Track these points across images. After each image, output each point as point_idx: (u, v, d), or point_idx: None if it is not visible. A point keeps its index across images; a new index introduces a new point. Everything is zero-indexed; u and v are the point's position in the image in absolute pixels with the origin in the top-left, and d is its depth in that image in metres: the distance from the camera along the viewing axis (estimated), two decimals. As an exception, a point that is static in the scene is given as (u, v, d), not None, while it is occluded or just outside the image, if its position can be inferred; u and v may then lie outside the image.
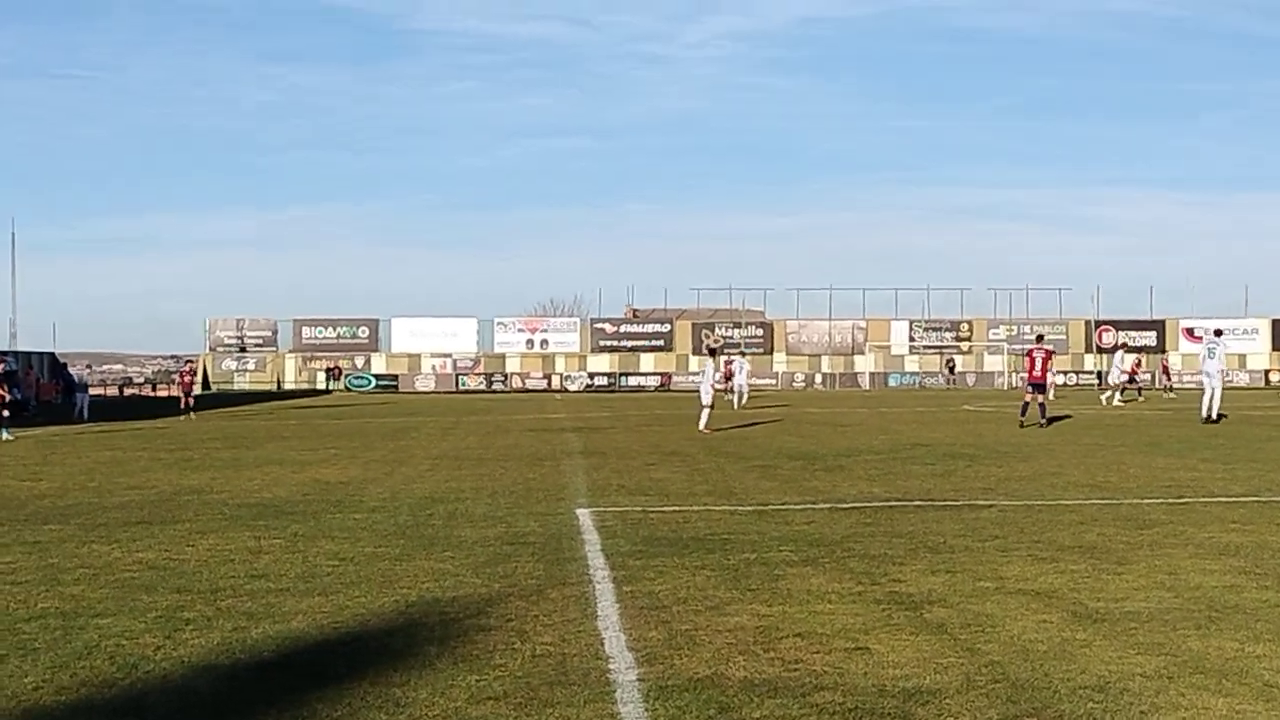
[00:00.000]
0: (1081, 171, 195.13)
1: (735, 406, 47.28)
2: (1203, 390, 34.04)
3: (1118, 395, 54.27)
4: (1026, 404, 33.17)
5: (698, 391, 36.34)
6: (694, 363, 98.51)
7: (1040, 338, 36.44)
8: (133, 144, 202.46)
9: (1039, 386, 33.13)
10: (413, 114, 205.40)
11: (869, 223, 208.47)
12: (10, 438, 31.13)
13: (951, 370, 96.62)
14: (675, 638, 8.04)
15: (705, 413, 32.77)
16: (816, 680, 6.97)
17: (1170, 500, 15.46)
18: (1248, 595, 9.31)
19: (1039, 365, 32.99)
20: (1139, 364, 69.87)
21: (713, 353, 36.07)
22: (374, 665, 7.33)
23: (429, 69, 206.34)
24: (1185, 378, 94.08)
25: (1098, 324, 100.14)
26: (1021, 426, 31.96)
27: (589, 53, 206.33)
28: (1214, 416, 32.27)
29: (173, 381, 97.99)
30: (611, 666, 7.29)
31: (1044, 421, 32.27)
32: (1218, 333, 36.56)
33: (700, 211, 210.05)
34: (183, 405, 45.57)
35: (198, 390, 48.18)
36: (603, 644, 7.85)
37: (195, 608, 9.03)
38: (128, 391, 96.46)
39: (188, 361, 57.30)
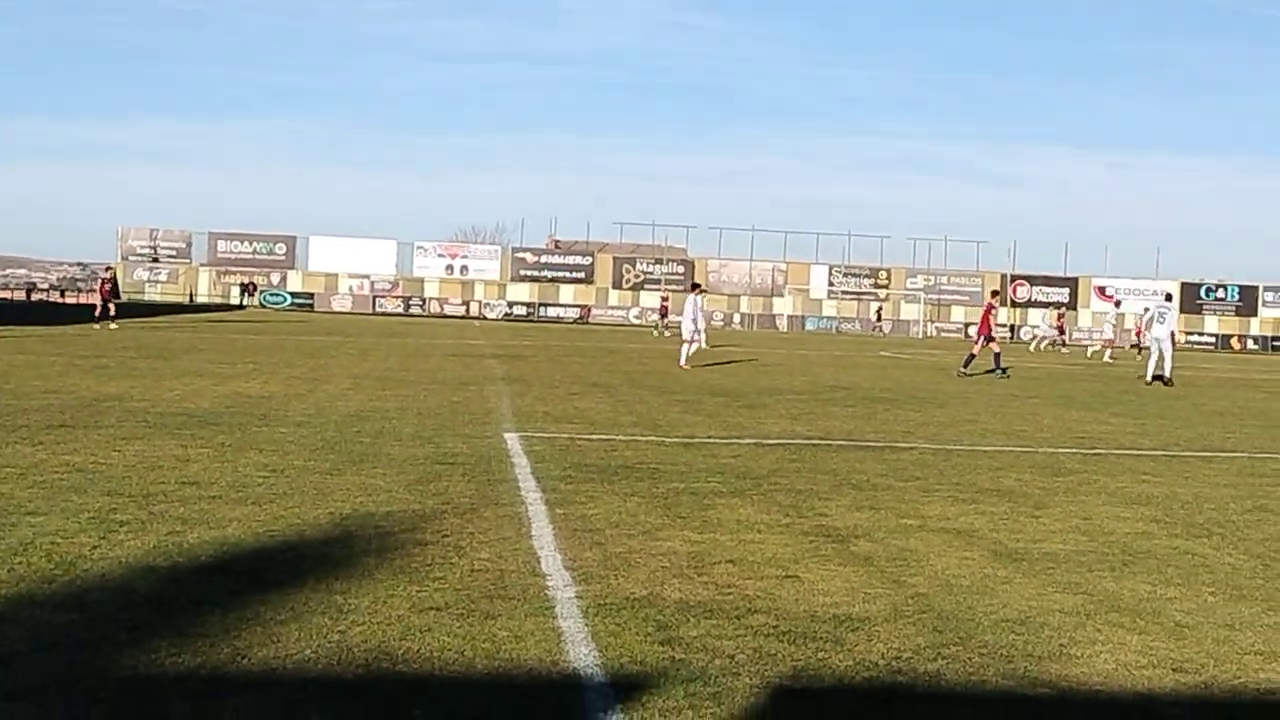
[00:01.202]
0: (1003, 127, 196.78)
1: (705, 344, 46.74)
2: (1149, 353, 34.20)
3: (1039, 346, 54.92)
4: (998, 354, 34.00)
5: (678, 327, 37.57)
6: (614, 296, 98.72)
7: (995, 293, 37.44)
8: (48, 49, 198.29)
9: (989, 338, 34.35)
10: (338, 31, 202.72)
11: (793, 168, 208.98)
12: None
13: (879, 318, 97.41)
14: (610, 559, 8.18)
15: (686, 347, 32.82)
16: (749, 604, 7.14)
17: (1084, 451, 15.82)
18: (1159, 542, 9.61)
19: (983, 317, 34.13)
20: (1062, 316, 71.39)
21: (695, 288, 36.39)
22: (314, 573, 7.41)
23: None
24: (1094, 335, 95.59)
25: (1013, 278, 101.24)
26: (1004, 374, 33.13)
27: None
28: (1167, 378, 32.21)
29: (80, 289, 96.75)
30: (549, 584, 7.41)
31: (964, 370, 33.08)
32: (1168, 297, 37.08)
33: (627, 147, 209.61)
34: (99, 313, 44.76)
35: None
36: (539, 562, 7.98)
37: (128, 510, 9.05)
38: (35, 297, 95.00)
39: (107, 268, 56.14)
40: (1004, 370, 33.31)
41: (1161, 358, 32.63)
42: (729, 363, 33.61)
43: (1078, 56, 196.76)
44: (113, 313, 44.49)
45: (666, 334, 61.70)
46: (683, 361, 32.23)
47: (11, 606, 6.44)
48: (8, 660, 5.57)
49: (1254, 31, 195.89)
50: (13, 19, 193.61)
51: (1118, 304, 68.74)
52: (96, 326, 41.98)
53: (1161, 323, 33.60)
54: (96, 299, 46.03)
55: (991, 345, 33.82)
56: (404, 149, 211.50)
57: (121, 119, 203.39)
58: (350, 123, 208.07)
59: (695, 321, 33.24)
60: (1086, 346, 67.34)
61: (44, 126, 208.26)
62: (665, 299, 75.72)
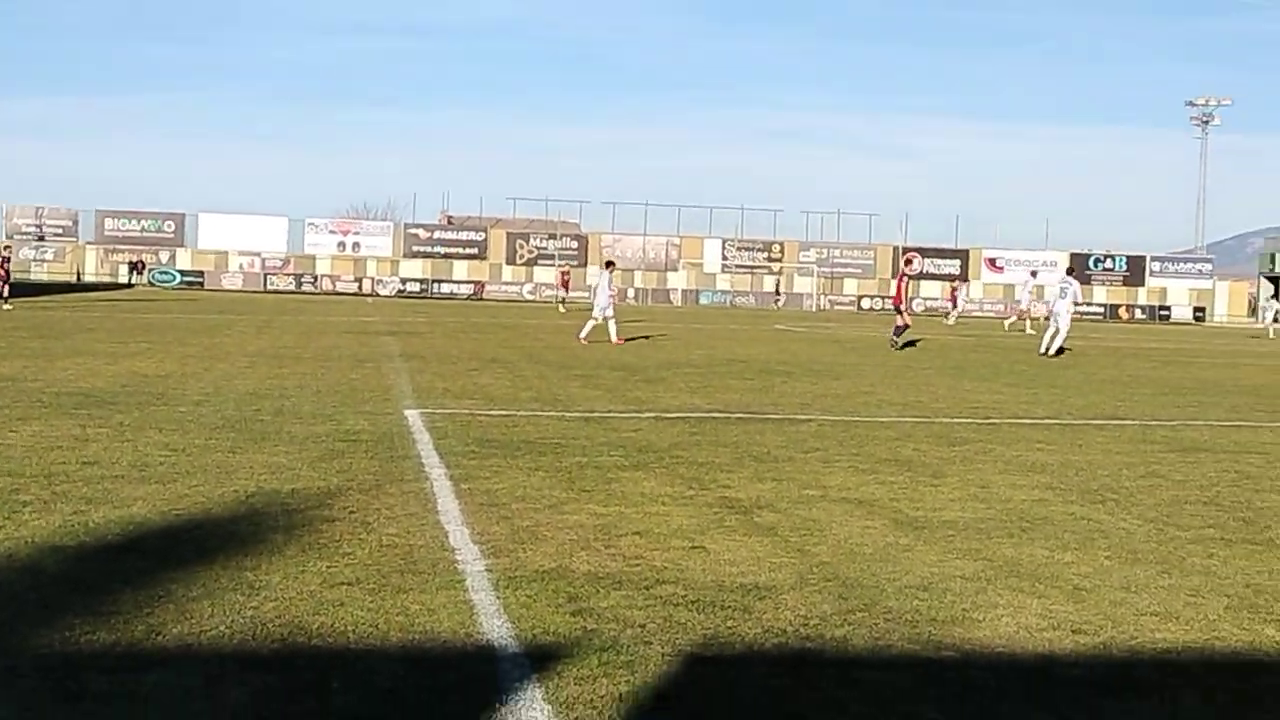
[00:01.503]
0: (892, 99, 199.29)
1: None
2: (1047, 325, 34.67)
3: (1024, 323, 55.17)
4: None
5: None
6: (507, 272, 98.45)
7: (908, 262, 38.25)
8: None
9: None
10: (224, 4, 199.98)
11: (683, 140, 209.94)
12: None
13: (777, 292, 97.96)
14: (518, 533, 8.25)
15: (591, 324, 32.80)
16: (658, 575, 7.25)
17: (978, 420, 16.13)
18: (1055, 508, 9.86)
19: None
20: (955, 289, 72.23)
21: (609, 265, 35.74)
22: (222, 551, 7.40)
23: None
24: (985, 306, 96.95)
25: (904, 250, 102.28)
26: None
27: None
28: (1053, 351, 32.55)
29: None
30: (459, 558, 7.47)
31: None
32: (1069, 271, 37.65)
33: (517, 121, 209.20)
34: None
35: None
36: (447, 537, 8.03)
37: (30, 490, 8.96)
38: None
39: (5, 246, 55.09)
40: (901, 343, 33.86)
41: (1057, 332, 33.08)
42: (631, 339, 33.59)
43: (967, 28, 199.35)
44: (7, 294, 43.67)
45: (563, 310, 62.02)
46: (582, 336, 32.25)
47: (-82, 588, 6.39)
48: (-82, 642, 5.54)
49: (1141, 4, 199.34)
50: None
51: (1034, 274, 69.46)
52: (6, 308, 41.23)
53: (1063, 298, 34.01)
54: None
55: (901, 316, 34.49)
56: (293, 124, 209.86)
57: (1, 95, 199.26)
58: (238, 98, 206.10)
59: (606, 298, 33.23)
60: (1003, 320, 67.67)
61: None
62: (566, 273, 75.78)
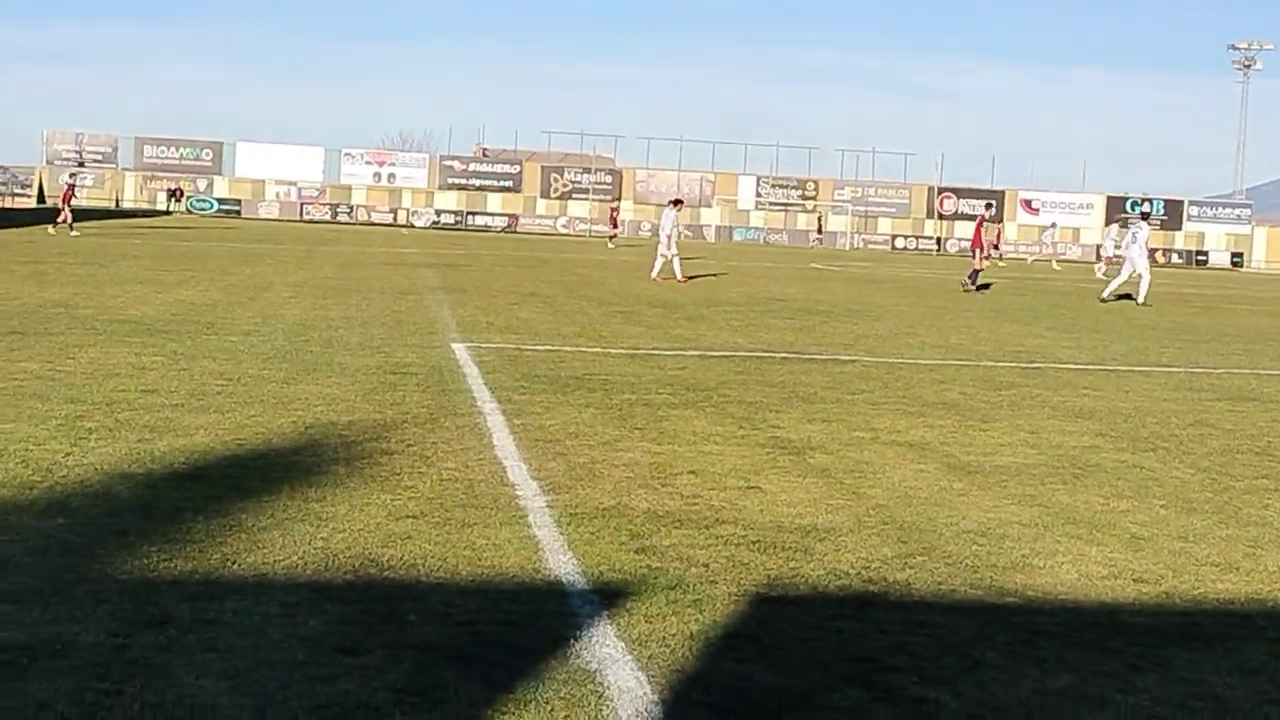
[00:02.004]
0: (929, 38, 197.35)
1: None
2: (1118, 271, 33.67)
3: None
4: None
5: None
6: (541, 205, 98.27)
7: (988, 205, 38.21)
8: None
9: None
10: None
11: (721, 78, 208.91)
12: None
13: (820, 230, 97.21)
14: (575, 469, 8.33)
15: (659, 262, 32.48)
16: (716, 514, 7.33)
17: (1022, 364, 16.14)
18: (1106, 455, 9.89)
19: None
20: (1000, 234, 72.13)
21: (676, 203, 35.56)
22: (287, 481, 7.51)
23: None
24: (1020, 248, 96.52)
25: (940, 191, 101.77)
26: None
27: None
28: (1142, 299, 31.80)
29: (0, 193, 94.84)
30: (519, 493, 7.56)
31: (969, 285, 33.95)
32: (1144, 216, 37.19)
33: (554, 55, 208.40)
34: (62, 218, 43.96)
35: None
36: (505, 472, 8.12)
37: (94, 418, 9.08)
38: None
39: (70, 174, 55.51)
40: (976, 285, 33.78)
41: (1139, 277, 32.04)
42: (695, 277, 33.16)
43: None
44: (70, 218, 43.85)
45: (611, 246, 62.21)
46: (654, 274, 31.91)
47: (-3, 512, 6.51)
48: (4, 563, 5.65)
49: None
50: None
51: (1124, 224, 69.41)
52: (53, 231, 41.48)
53: (1135, 242, 33.21)
54: (60, 203, 45.43)
55: (978, 259, 34.43)
56: (330, 55, 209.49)
57: (41, 21, 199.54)
58: (276, 28, 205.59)
59: (670, 237, 32.82)
60: (1095, 266, 66.22)
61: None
62: (615, 209, 75.35)
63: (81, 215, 47.13)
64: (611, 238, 67.48)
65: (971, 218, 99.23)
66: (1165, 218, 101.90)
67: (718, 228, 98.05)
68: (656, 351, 15.51)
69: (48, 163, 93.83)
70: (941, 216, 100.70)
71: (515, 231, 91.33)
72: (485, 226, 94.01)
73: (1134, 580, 6.40)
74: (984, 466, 9.17)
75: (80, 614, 5.09)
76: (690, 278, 32.36)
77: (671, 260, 32.19)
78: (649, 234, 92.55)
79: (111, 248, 34.65)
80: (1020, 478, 8.83)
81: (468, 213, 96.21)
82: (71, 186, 46.54)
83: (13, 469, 7.41)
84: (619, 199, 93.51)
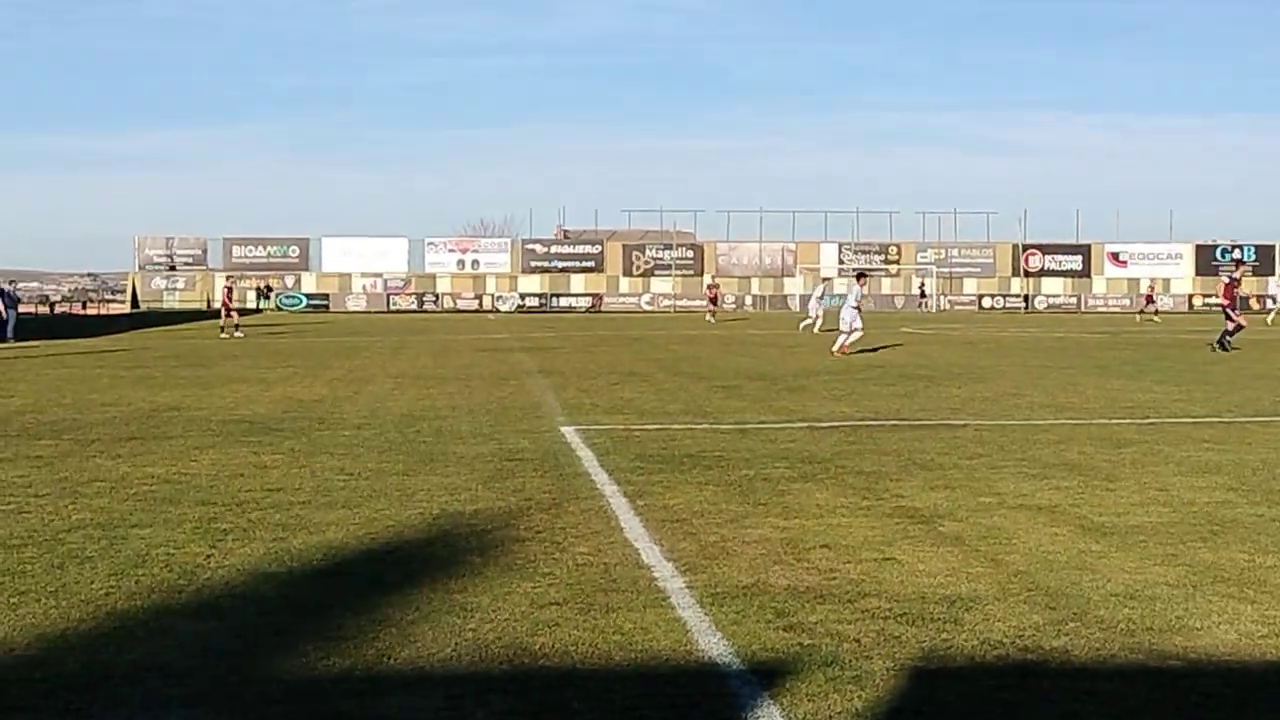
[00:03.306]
0: (1003, 94, 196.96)
1: (816, 330, 45.92)
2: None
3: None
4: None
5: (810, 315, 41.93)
6: (624, 284, 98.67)
7: (1238, 263, 37.24)
8: (49, 63, 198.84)
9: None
10: (328, 30, 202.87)
11: (794, 146, 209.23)
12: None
13: (923, 294, 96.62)
14: (707, 548, 8.31)
15: (853, 335, 31.84)
16: (857, 588, 7.27)
17: (1138, 420, 15.93)
18: (1242, 510, 9.72)
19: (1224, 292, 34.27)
20: (1152, 288, 72.22)
21: (860, 277, 35.25)
22: (426, 573, 7.56)
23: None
24: (1110, 302, 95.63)
25: (1024, 248, 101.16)
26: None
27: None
28: None
29: (92, 300, 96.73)
30: (656, 575, 7.55)
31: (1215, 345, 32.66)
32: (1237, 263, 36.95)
33: (628, 133, 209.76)
34: (230, 321, 45.39)
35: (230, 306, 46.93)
36: (638, 554, 8.11)
37: (227, 519, 9.20)
38: (57, 309, 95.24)
39: (227, 277, 57.25)
40: (1225, 346, 32.28)
41: None
42: (863, 351, 32.44)
43: (1076, 19, 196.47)
44: (236, 320, 44.90)
45: (711, 320, 62.39)
46: (836, 348, 31.44)
47: (152, 616, 6.59)
48: (167, 669, 5.72)
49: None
50: (11, 36, 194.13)
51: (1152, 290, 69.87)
52: (223, 335, 42.43)
53: None
54: (221, 309, 47.09)
55: (1234, 318, 33.08)
56: (408, 145, 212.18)
57: (125, 129, 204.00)
58: (353, 121, 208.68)
59: (854, 310, 32.19)
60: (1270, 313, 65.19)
61: (47, 140, 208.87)
62: (715, 286, 75.31)
63: (174, 318, 47.90)
64: (712, 313, 67.24)
65: (1060, 274, 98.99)
66: (1257, 263, 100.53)
67: (801, 296, 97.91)
68: (764, 425, 15.49)
69: (140, 268, 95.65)
70: (1027, 274, 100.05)
71: (600, 311, 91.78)
72: (569, 307, 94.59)
73: (1298, 638, 6.27)
74: (1119, 527, 9.05)
75: (254, 716, 5.13)
76: (853, 351, 31.43)
77: (850, 335, 31.63)
78: (732, 306, 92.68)
79: (211, 348, 35.19)
80: (1158, 537, 8.70)
81: (551, 295, 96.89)
82: (230, 290, 47.85)
83: (159, 573, 7.52)
84: (716, 275, 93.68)
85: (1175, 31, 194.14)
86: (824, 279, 60.47)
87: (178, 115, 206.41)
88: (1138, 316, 67.20)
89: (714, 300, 70.49)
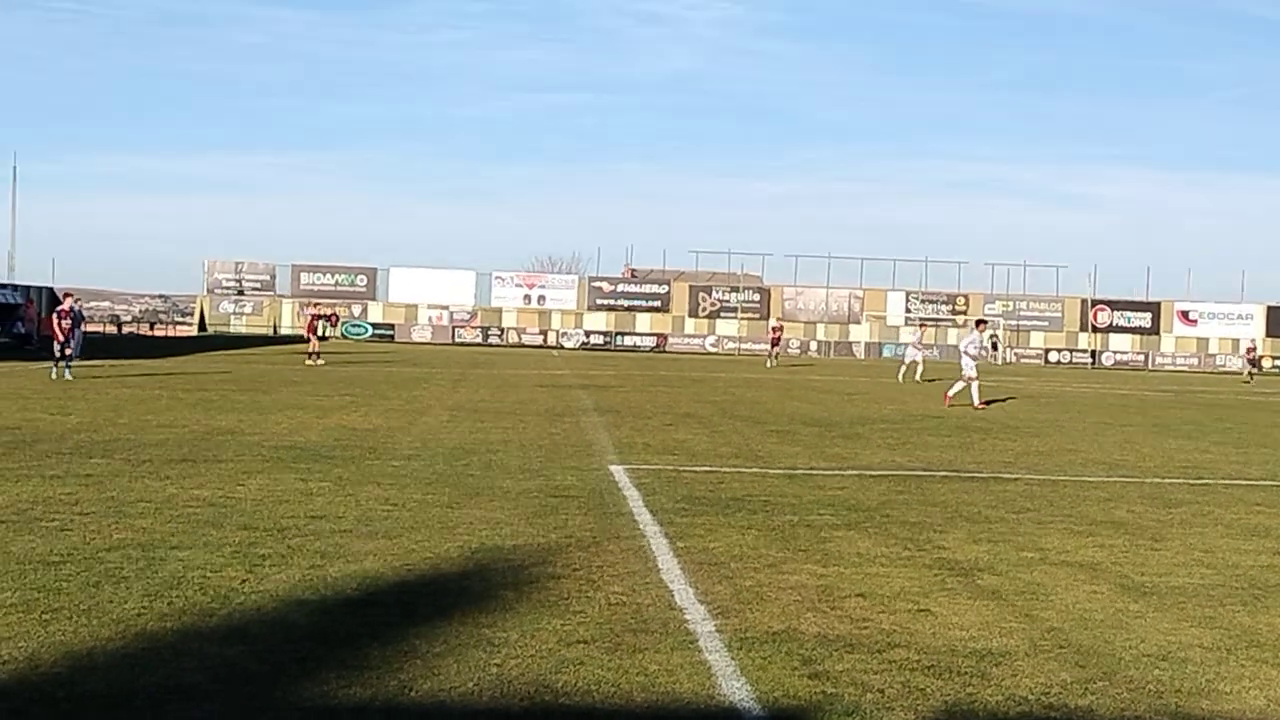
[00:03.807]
0: (1077, 148, 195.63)
1: (918, 377, 45.63)
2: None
3: None
4: None
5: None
6: (690, 325, 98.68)
7: None
8: (126, 84, 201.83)
9: None
10: (406, 61, 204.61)
11: (865, 193, 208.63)
12: (71, 377, 29.88)
13: (995, 348, 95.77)
14: (741, 593, 8.30)
15: (974, 385, 30.53)
16: (887, 639, 7.24)
17: (1190, 481, 15.76)
18: (1286, 575, 9.60)
19: None
20: (1253, 346, 71.62)
21: (980, 324, 34.41)
22: (457, 607, 7.59)
23: (423, 16, 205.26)
24: (1179, 360, 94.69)
25: (1093, 303, 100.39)
26: None
27: (586, 7, 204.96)
28: None
29: (162, 321, 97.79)
30: (687, 617, 7.55)
31: None
32: None
33: (698, 174, 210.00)
34: (311, 349, 44.56)
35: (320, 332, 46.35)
36: (673, 596, 8.11)
37: (266, 545, 9.27)
38: (125, 330, 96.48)
39: (314, 303, 56.63)
40: None
41: None
42: (991, 402, 31.69)
43: (1153, 75, 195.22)
44: (317, 349, 44.65)
45: (774, 364, 61.30)
46: (978, 402, 29.99)
47: (180, 639, 6.66)
48: (189, 691, 5.78)
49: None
50: (90, 55, 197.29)
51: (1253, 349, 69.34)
52: (308, 362, 42.54)
53: None
54: (308, 334, 46.36)
55: None
56: (478, 179, 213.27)
57: (198, 152, 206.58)
58: (424, 153, 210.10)
59: (973, 358, 31.28)
60: None
61: (123, 159, 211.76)
62: (778, 329, 72.27)
63: (240, 342, 48.28)
64: (774, 356, 65.08)
65: (1129, 330, 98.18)
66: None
67: (866, 344, 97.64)
68: (815, 471, 15.44)
69: (208, 291, 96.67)
70: (1095, 329, 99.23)
71: (664, 351, 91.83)
72: (634, 346, 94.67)
73: (1328, 707, 6.18)
74: (1159, 587, 8.96)
75: (267, 742, 5.17)
76: (987, 403, 30.86)
77: (969, 384, 30.49)
78: (798, 351, 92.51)
79: (272, 374, 35.48)
80: (1198, 599, 8.61)
81: (616, 333, 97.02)
82: (315, 317, 46.94)
83: (192, 596, 7.59)
84: (781, 319, 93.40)
85: (1253, 90, 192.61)
86: (922, 324, 60.00)
87: (252, 140, 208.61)
88: (1247, 376, 66.16)
89: (775, 343, 68.85)
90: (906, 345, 52.40)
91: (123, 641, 6.57)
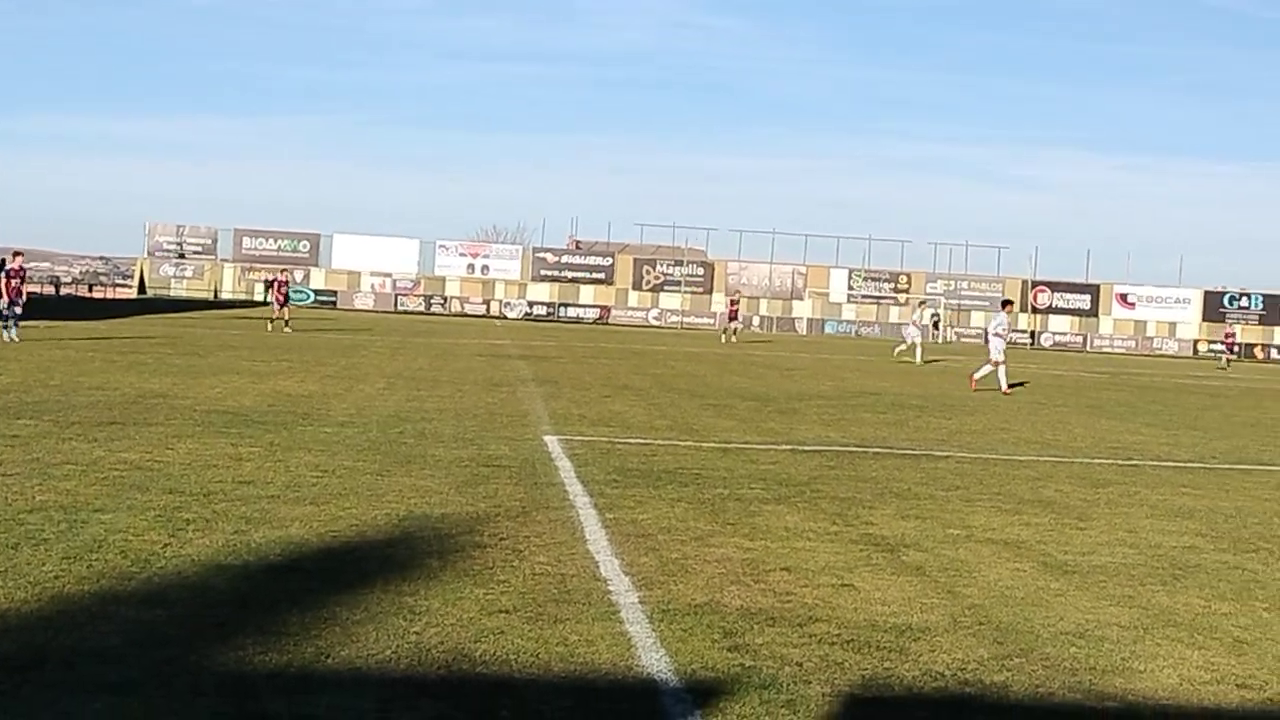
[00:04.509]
0: (1021, 130, 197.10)
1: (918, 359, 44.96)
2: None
3: None
4: None
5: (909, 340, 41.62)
6: (633, 297, 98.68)
7: None
8: (72, 43, 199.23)
9: None
10: (355, 28, 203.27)
11: (810, 170, 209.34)
12: (18, 339, 29.51)
13: (936, 326, 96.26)
14: (667, 565, 8.31)
15: (1001, 370, 29.81)
16: (809, 612, 7.27)
17: (1120, 461, 15.93)
18: (1207, 556, 9.71)
19: None
20: (1231, 332, 71.94)
21: (1006, 305, 33.52)
22: (381, 574, 7.56)
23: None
24: (1116, 342, 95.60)
25: (1033, 284, 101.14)
26: None
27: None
28: None
29: (103, 283, 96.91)
30: (611, 589, 7.55)
31: None
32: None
33: (645, 147, 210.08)
34: (276, 315, 44.47)
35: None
36: (598, 567, 8.11)
37: (191, 509, 9.20)
38: (63, 291, 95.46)
39: (282, 270, 56.12)
40: None
41: None
42: (1016, 385, 30.81)
43: (1100, 60, 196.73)
44: (286, 317, 44.44)
45: (734, 339, 59.33)
46: (1006, 388, 29.29)
47: (98, 602, 6.59)
48: (103, 654, 5.73)
49: (1278, 36, 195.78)
50: (40, 13, 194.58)
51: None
52: (270, 329, 42.40)
53: None
54: (274, 302, 46.15)
55: None
56: (425, 147, 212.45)
57: (144, 114, 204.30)
58: (372, 120, 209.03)
59: (1000, 339, 30.48)
60: None
61: (63, 120, 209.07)
62: (735, 302, 67.78)
63: (179, 306, 47.90)
64: (732, 332, 62.53)
65: (1065, 311, 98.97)
66: (1264, 312, 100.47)
67: (809, 320, 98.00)
68: (749, 445, 15.48)
69: (149, 254, 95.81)
70: (1035, 310, 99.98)
71: (607, 323, 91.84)
72: (577, 318, 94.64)
73: (1237, 686, 6.27)
74: (1081, 566, 9.04)
75: (179, 707, 5.14)
76: (1014, 386, 30.40)
77: (997, 368, 29.72)
78: (740, 325, 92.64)
79: (210, 338, 35.24)
80: (1119, 578, 8.69)
81: (560, 304, 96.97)
82: (282, 284, 46.48)
83: (112, 559, 7.52)
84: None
85: (1196, 77, 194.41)
86: (922, 301, 59.01)
87: (196, 103, 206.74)
88: (1224, 363, 66.62)
89: (733, 317, 64.73)
90: (906, 324, 51.79)
91: (39, 604, 6.50)
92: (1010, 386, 29.71)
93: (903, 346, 46.74)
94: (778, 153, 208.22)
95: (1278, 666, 6.65)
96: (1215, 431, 21.58)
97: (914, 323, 48.37)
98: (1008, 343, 30.85)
